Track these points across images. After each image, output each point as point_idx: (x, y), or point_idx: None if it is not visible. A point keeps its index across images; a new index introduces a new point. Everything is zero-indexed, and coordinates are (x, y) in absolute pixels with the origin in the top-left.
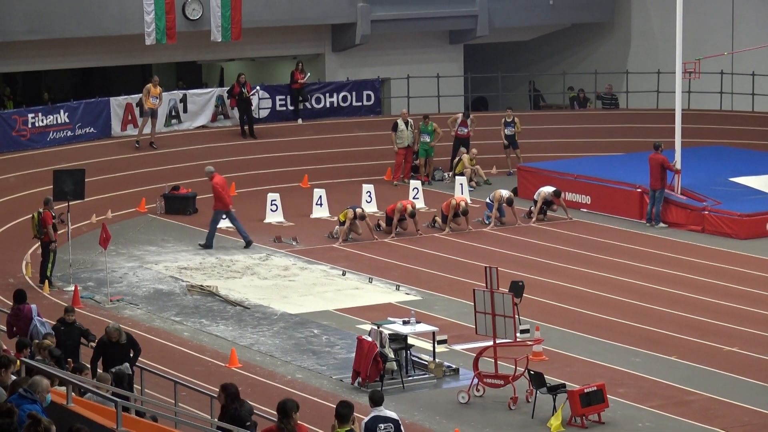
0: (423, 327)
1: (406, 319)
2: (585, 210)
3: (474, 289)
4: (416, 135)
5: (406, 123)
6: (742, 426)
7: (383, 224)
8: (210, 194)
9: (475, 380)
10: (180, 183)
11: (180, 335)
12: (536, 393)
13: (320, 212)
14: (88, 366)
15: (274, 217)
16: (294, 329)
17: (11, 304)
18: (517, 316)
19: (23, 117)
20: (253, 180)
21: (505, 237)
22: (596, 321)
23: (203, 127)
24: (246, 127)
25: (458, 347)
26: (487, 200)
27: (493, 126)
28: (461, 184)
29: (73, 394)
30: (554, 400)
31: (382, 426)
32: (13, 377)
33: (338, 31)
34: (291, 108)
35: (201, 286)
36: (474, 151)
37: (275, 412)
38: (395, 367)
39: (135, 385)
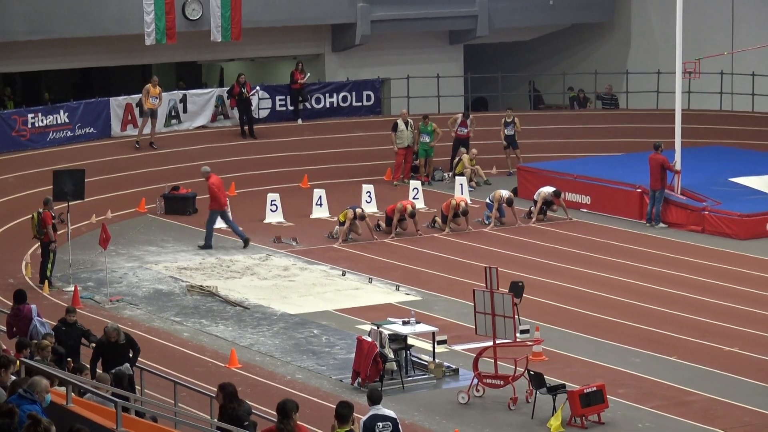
0: (423, 327)
1: (406, 319)
2: (585, 210)
3: (474, 290)
4: (416, 135)
5: (406, 123)
6: (742, 426)
7: (383, 224)
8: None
9: (475, 380)
10: (180, 183)
11: (180, 335)
12: (536, 393)
13: (320, 212)
14: (88, 367)
15: (274, 217)
16: (294, 329)
17: (11, 304)
18: (516, 316)
19: (23, 117)
20: (253, 180)
21: (505, 237)
22: (596, 321)
23: (203, 127)
24: (246, 128)
25: (458, 347)
26: (487, 200)
27: (492, 126)
28: (461, 185)
29: (72, 394)
30: (554, 400)
31: (380, 425)
32: (13, 377)
33: (338, 31)
34: (291, 108)
35: (201, 286)
36: (474, 151)
37: (275, 413)
38: (395, 368)
39: (135, 386)
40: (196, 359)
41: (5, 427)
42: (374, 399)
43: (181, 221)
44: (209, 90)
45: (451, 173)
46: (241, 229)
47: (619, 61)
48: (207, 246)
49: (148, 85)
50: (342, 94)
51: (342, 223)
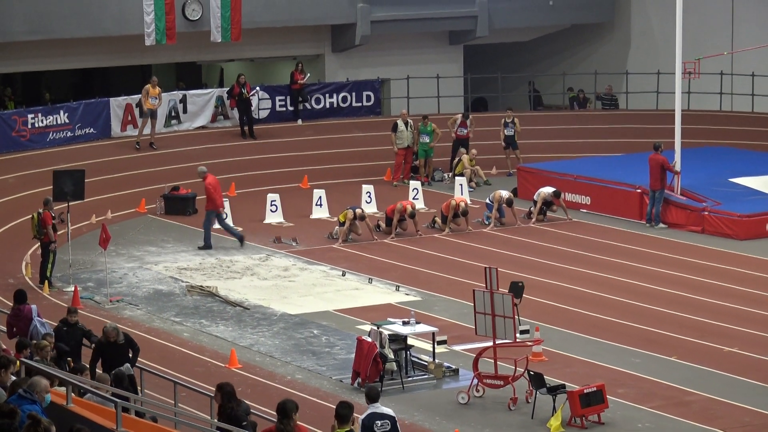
0: (423, 327)
1: (406, 319)
2: (585, 210)
3: (474, 290)
4: (416, 135)
5: (406, 123)
6: (742, 426)
7: (383, 225)
8: None
9: (475, 381)
10: (180, 183)
11: (180, 336)
12: (536, 393)
13: (320, 213)
14: (88, 367)
15: (274, 217)
16: (294, 330)
17: (11, 304)
18: (516, 316)
19: (23, 117)
20: (253, 181)
21: (504, 238)
22: (596, 321)
23: (203, 127)
24: (246, 128)
25: (458, 348)
26: (487, 201)
27: (492, 126)
28: (461, 185)
29: (72, 394)
30: (554, 400)
31: (378, 423)
32: (13, 377)
33: (338, 31)
34: (291, 108)
35: (201, 286)
36: (474, 151)
37: (275, 413)
38: (395, 368)
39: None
40: (196, 359)
41: (6, 427)
42: (372, 397)
43: (181, 221)
44: (209, 90)
45: (450, 174)
46: (239, 229)
47: (618, 61)
48: (206, 246)
49: (148, 86)
50: (342, 95)
51: (342, 224)
